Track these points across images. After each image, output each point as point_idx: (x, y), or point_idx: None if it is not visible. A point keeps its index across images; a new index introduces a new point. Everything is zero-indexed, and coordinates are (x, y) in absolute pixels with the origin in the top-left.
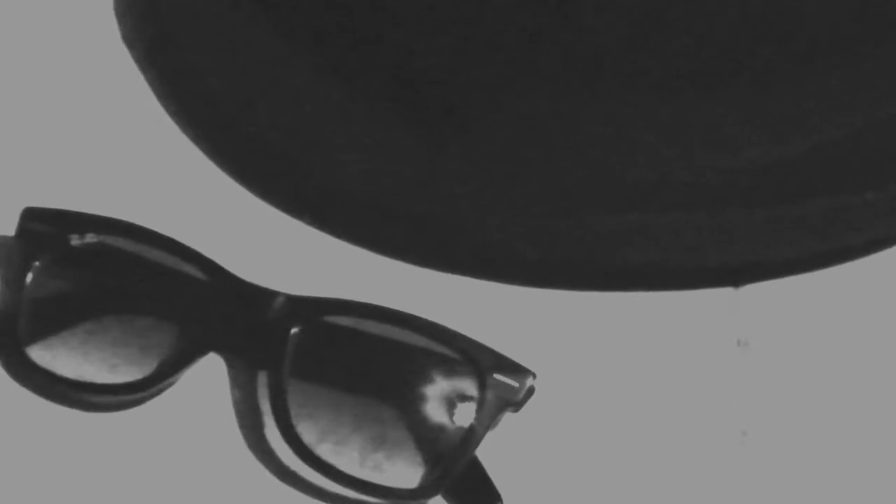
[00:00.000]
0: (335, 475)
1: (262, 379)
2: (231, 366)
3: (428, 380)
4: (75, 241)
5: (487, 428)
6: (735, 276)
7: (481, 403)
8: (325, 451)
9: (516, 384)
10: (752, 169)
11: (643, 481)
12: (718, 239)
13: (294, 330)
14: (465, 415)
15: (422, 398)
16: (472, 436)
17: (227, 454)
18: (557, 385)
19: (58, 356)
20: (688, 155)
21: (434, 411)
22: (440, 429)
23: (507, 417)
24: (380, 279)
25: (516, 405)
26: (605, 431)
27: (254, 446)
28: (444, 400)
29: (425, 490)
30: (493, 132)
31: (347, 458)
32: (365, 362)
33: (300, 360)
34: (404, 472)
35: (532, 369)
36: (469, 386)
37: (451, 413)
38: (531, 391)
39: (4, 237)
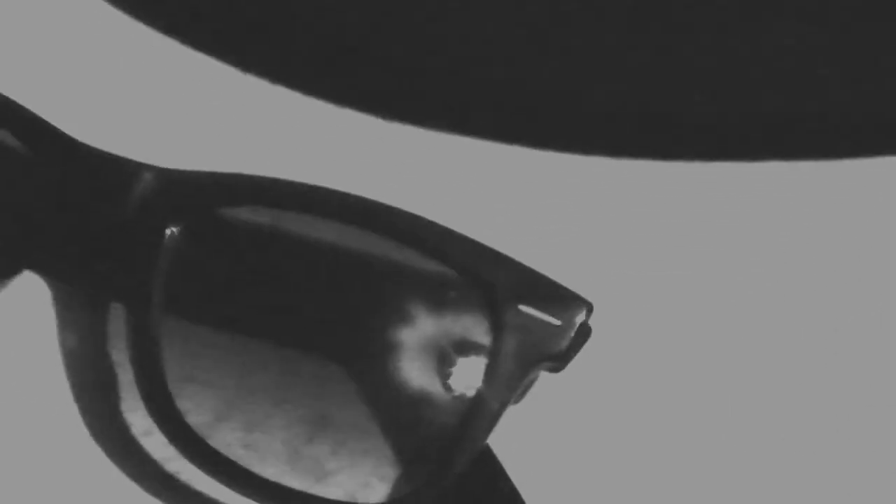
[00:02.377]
0: (243, 481)
1: (118, 317)
2: (62, 294)
3: (404, 317)
4: None
5: (508, 399)
6: None
7: (496, 356)
8: (226, 442)
9: (558, 322)
10: None
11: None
12: None
13: (171, 231)
14: (470, 377)
15: (394, 349)
16: (481, 414)
17: (54, 445)
18: (625, 331)
19: None
20: None
21: (416, 372)
22: (426, 402)
23: (543, 381)
24: (331, 148)
25: (558, 359)
26: (698, 407)
27: (103, 432)
28: (433, 352)
29: None
30: None
31: (265, 452)
32: (295, 288)
33: (183, 286)
34: (364, 476)
35: (586, 297)
36: (476, 326)
37: (444, 374)
38: (584, 334)
39: None
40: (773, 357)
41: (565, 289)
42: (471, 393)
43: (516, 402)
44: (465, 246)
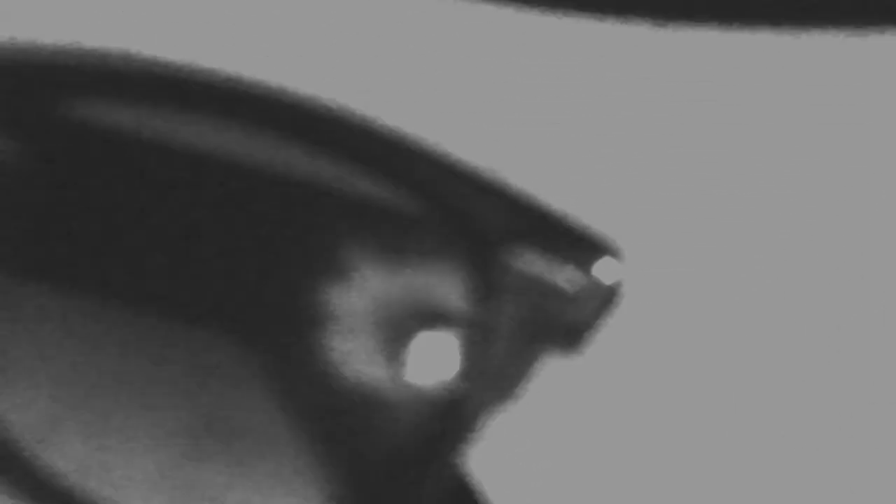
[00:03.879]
0: None
1: None
2: None
3: (341, 271)
4: None
5: (498, 397)
6: None
7: (480, 331)
8: (60, 462)
9: (574, 278)
10: None
11: None
12: None
13: None
14: (440, 363)
15: (325, 321)
16: (455, 419)
17: None
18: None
19: None
20: None
21: (358, 356)
22: (374, 402)
23: (551, 373)
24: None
25: (573, 336)
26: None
27: None
28: (384, 324)
29: None
30: None
31: (121, 477)
32: (174, 225)
33: None
34: None
35: (613, 243)
36: (450, 284)
37: (401, 358)
38: (613, 298)
39: None
40: (774, 353)
41: (586, 229)
42: (440, 388)
43: (509, 403)
44: (435, 164)
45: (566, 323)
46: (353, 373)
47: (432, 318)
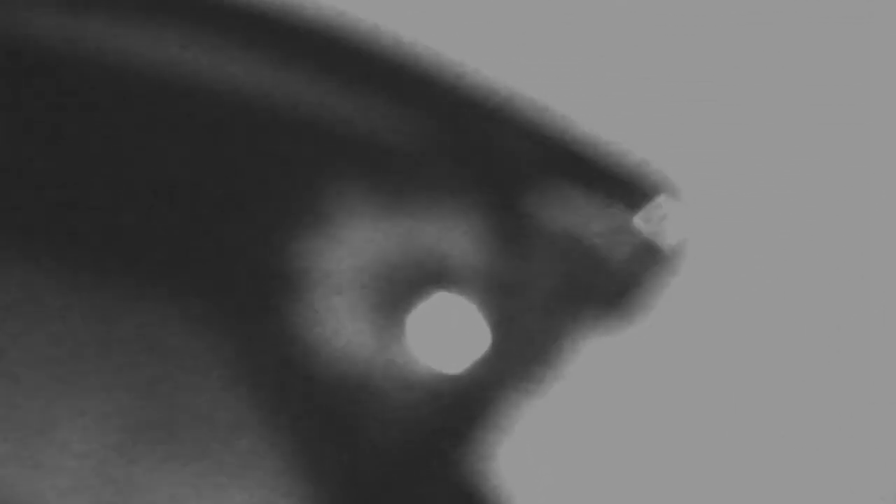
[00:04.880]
0: None
1: None
2: None
3: (332, 223)
4: None
5: (527, 382)
6: None
7: (505, 295)
8: None
9: (626, 227)
10: None
11: None
12: None
13: None
14: (455, 337)
15: (309, 286)
16: (472, 409)
17: None
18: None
19: None
20: None
21: (353, 328)
22: (370, 387)
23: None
24: None
25: (613, 302)
26: None
27: None
28: (386, 289)
29: None
30: None
31: (41, 476)
32: (117, 169)
33: None
34: None
35: (671, 181)
36: (468, 235)
37: (392, 329)
38: (664, 251)
39: None
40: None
41: (635, 164)
42: (449, 367)
43: (537, 387)
44: (446, 85)
45: (609, 283)
46: (339, 348)
47: (440, 276)
